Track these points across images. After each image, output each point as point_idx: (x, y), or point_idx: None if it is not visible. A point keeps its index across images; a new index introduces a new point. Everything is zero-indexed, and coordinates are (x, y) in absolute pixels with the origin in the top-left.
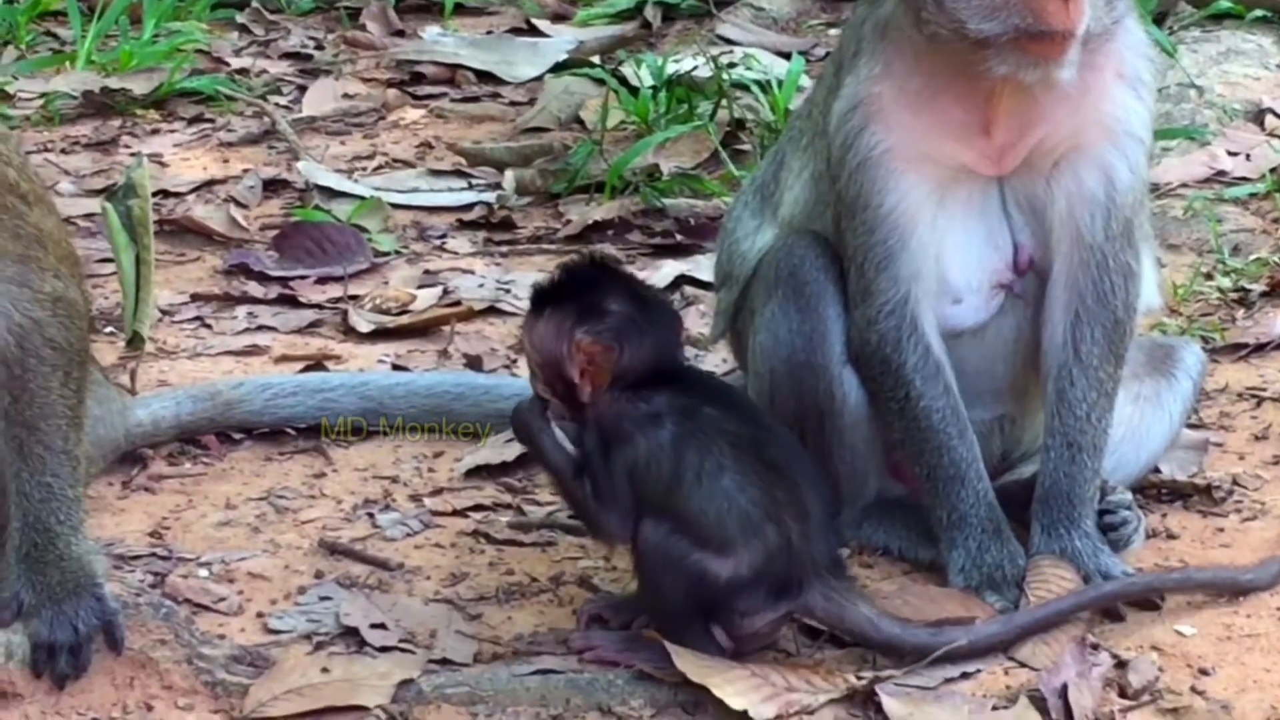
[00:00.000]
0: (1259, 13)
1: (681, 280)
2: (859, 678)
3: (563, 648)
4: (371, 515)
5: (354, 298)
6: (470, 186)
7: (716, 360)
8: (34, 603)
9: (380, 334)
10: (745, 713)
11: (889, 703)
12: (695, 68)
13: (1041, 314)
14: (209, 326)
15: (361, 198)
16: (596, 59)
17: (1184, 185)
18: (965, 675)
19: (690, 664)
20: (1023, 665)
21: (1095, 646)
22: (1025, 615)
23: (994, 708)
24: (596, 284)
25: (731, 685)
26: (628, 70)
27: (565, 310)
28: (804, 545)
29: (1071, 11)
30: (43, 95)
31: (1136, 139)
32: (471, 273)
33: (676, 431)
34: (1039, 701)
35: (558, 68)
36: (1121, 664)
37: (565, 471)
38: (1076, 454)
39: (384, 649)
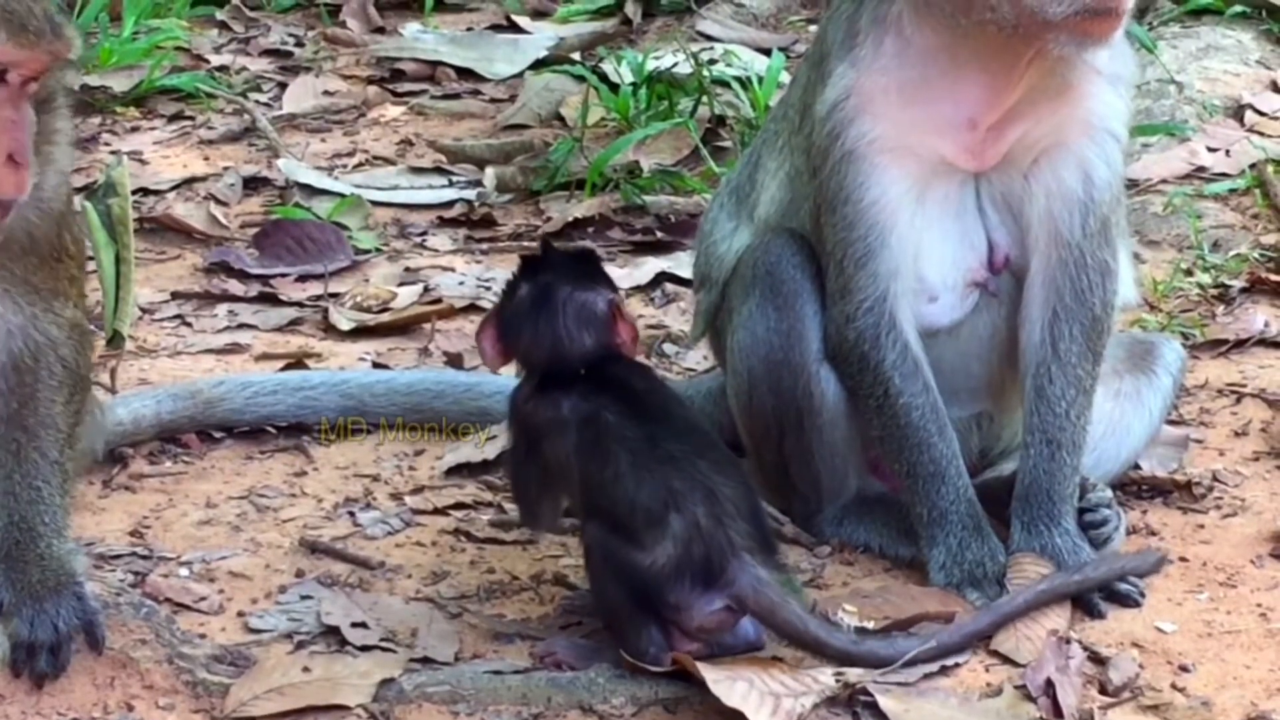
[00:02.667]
0: (1238, 8)
1: (662, 277)
2: (837, 678)
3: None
4: (352, 514)
5: (334, 295)
6: (451, 184)
7: (697, 358)
8: (14, 601)
9: (361, 332)
10: (735, 711)
11: (884, 701)
12: (676, 64)
13: (1019, 312)
14: (189, 325)
15: (342, 195)
16: (577, 56)
17: (1164, 181)
18: (944, 670)
19: (713, 678)
20: (1005, 660)
21: (1067, 641)
22: (953, 632)
23: (980, 697)
24: (532, 269)
25: (747, 701)
26: (608, 67)
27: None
28: (714, 527)
29: None
30: None
31: (1115, 136)
32: (452, 270)
33: (578, 441)
34: (1024, 692)
35: (538, 65)
36: (1102, 661)
37: (511, 453)
38: (1056, 451)
39: (365, 648)
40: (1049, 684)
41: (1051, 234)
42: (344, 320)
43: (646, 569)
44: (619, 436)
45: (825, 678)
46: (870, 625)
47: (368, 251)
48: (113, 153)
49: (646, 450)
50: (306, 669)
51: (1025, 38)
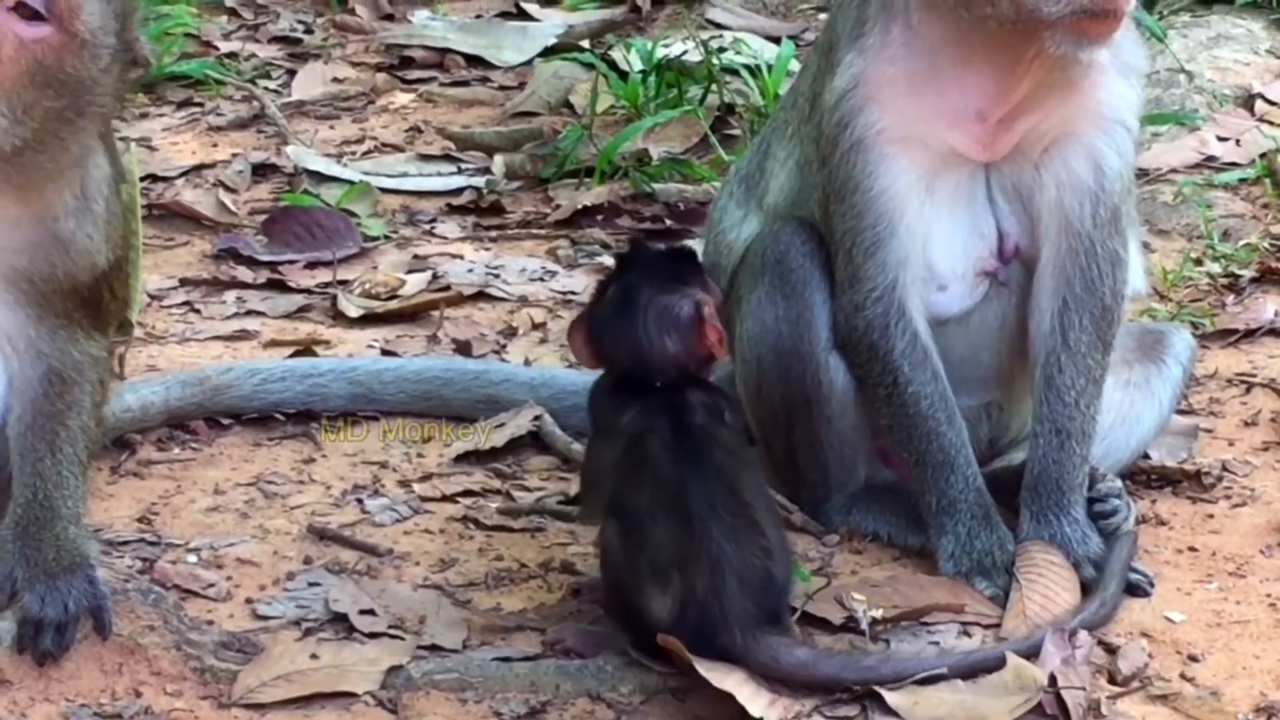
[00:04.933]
0: None
1: None
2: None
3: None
4: (360, 501)
5: (343, 283)
6: (459, 171)
7: None
8: (27, 577)
9: (369, 319)
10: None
11: (891, 697)
12: (685, 52)
13: (1029, 301)
14: (198, 311)
15: (351, 182)
16: (586, 43)
17: (1174, 171)
18: None
19: (705, 667)
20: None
21: (1074, 631)
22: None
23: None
24: (623, 268)
25: (743, 688)
26: (617, 55)
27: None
28: (713, 601)
29: None
30: None
31: (1126, 126)
32: (460, 258)
33: (622, 454)
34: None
35: (547, 52)
36: (1111, 650)
37: (589, 443)
38: (1065, 441)
39: (373, 635)
40: (1052, 679)
41: (1062, 223)
42: (352, 307)
43: (642, 609)
44: (652, 470)
45: None
46: (878, 614)
47: (376, 239)
48: (121, 139)
49: (669, 499)
50: (314, 656)
51: (1025, 34)
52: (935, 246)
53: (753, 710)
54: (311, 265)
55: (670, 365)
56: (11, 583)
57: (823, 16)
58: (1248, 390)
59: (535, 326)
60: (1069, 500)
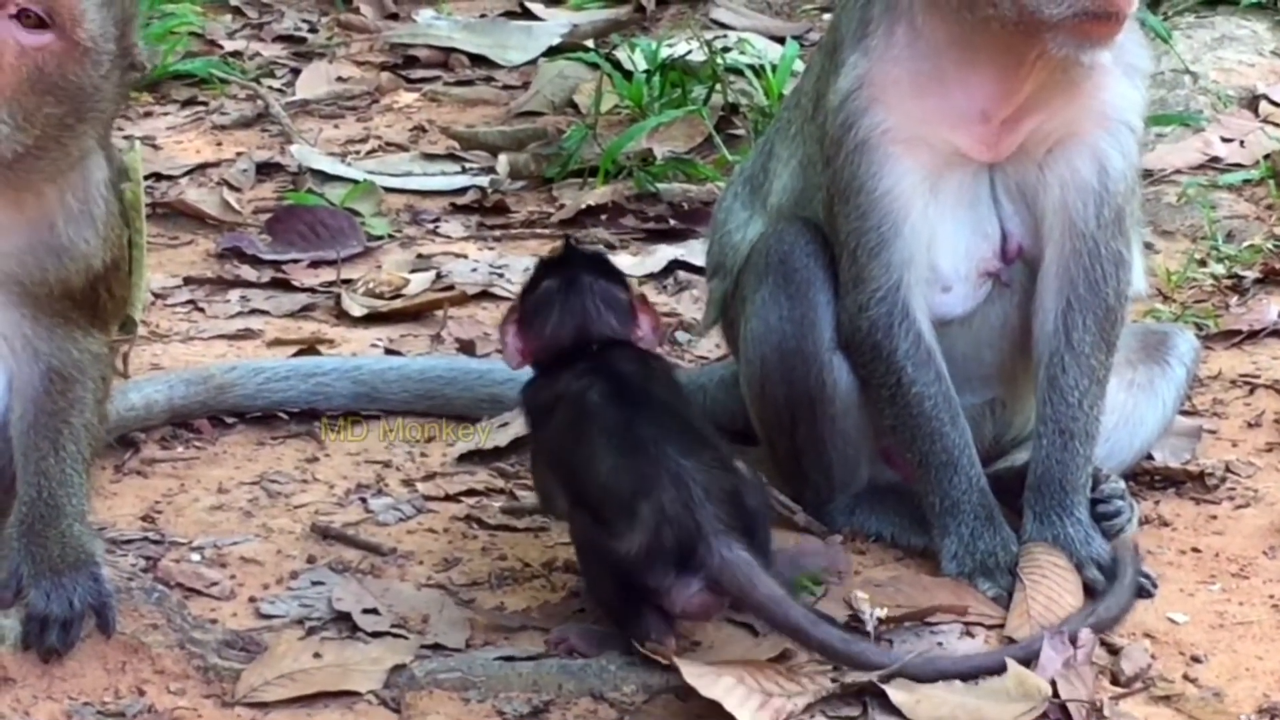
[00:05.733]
0: None
1: (675, 265)
2: (834, 680)
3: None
4: (364, 500)
5: (347, 282)
6: (463, 170)
7: (710, 346)
8: (33, 573)
9: (373, 318)
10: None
11: (894, 693)
12: (689, 52)
13: (1033, 302)
14: (202, 310)
15: (355, 181)
16: (590, 43)
17: (1178, 171)
18: None
19: (692, 673)
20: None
21: (1075, 633)
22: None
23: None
24: (555, 263)
25: (731, 694)
26: (622, 54)
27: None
28: (682, 512)
29: None
30: None
31: (1130, 127)
32: (464, 257)
33: (563, 423)
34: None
35: (551, 51)
36: (1114, 651)
37: (530, 441)
38: (1069, 441)
39: (376, 634)
40: (1053, 685)
41: (1066, 224)
42: (356, 306)
43: (624, 556)
44: (598, 418)
45: (823, 679)
46: (883, 613)
47: (380, 238)
48: (126, 138)
49: (621, 435)
50: (317, 655)
51: (1027, 36)
52: (939, 247)
53: (741, 716)
54: (315, 264)
55: (606, 339)
56: (17, 580)
57: (827, 17)
58: (1251, 391)
59: None
60: (1072, 501)
